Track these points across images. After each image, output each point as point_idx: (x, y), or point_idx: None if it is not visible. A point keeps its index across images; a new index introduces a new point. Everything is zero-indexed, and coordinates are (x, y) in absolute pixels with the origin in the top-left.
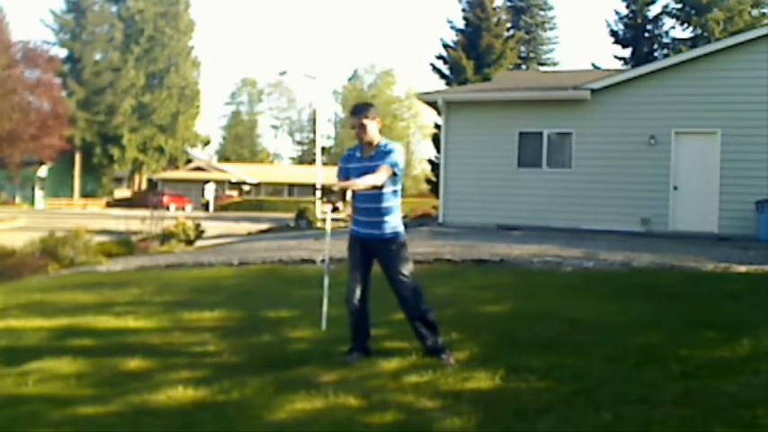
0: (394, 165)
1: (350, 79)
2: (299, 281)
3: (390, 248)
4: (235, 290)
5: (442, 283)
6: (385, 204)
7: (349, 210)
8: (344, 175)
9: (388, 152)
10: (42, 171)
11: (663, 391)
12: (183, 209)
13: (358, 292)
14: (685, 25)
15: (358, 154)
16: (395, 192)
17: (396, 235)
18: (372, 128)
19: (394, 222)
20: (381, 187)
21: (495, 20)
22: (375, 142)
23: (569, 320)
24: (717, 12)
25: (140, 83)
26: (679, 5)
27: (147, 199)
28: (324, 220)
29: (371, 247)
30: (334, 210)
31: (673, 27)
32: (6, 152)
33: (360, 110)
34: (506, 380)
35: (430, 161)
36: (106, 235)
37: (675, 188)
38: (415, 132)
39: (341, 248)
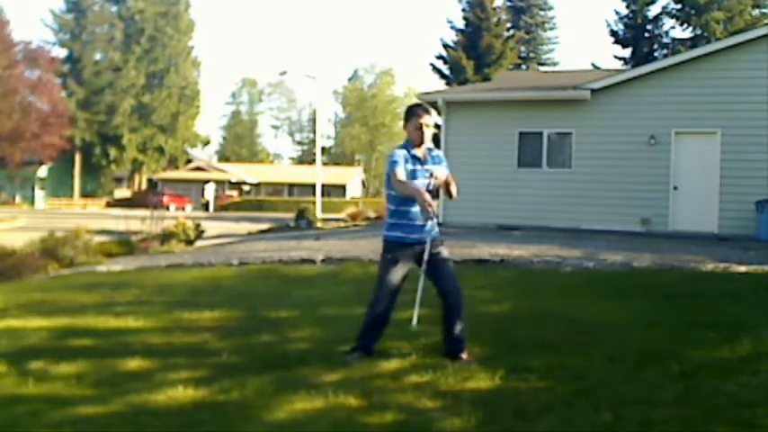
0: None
1: (350, 79)
2: (299, 281)
3: (439, 246)
4: (235, 290)
5: None
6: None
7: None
8: (412, 175)
9: (441, 159)
10: (42, 171)
11: (663, 391)
12: (183, 209)
13: (391, 298)
14: (685, 25)
15: (415, 153)
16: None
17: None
18: (432, 130)
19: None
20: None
21: (495, 20)
22: (424, 146)
23: (569, 320)
24: (716, 12)
25: (140, 83)
26: (678, 6)
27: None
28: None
29: (417, 251)
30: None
31: (673, 27)
32: (7, 152)
33: (425, 108)
34: (506, 380)
35: None
36: (106, 235)
37: (675, 188)
38: None
39: (341, 248)
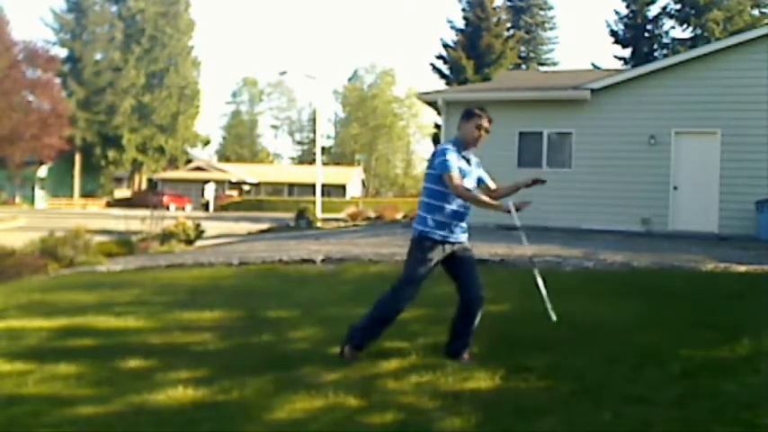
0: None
1: (350, 79)
2: (300, 281)
3: (468, 247)
4: (235, 290)
5: (443, 283)
6: (470, 209)
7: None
8: (464, 175)
9: (479, 164)
10: (42, 171)
11: (663, 391)
12: (183, 209)
13: (416, 296)
14: (685, 26)
15: (465, 155)
16: None
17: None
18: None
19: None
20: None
21: (495, 20)
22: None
23: (569, 320)
24: (716, 12)
25: (140, 83)
26: (678, 6)
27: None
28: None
29: (448, 251)
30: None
31: (672, 27)
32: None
33: (492, 119)
34: (506, 380)
35: None
36: (106, 235)
37: (675, 188)
38: (415, 132)
39: (341, 248)
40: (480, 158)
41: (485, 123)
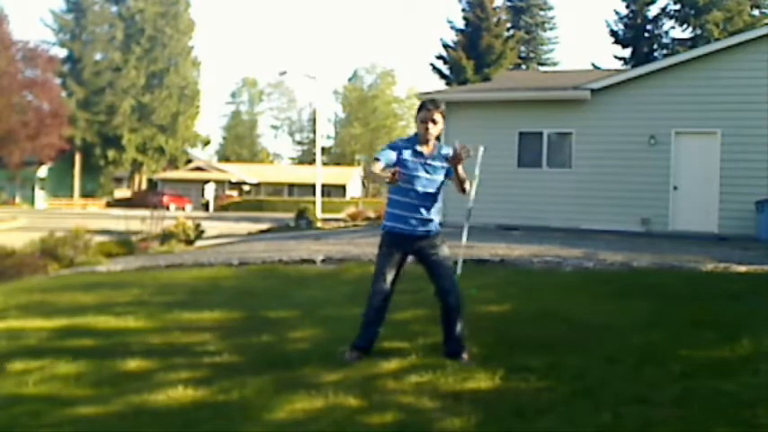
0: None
1: (350, 79)
2: (299, 281)
3: (436, 243)
4: (235, 290)
5: None
6: (437, 203)
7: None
8: (403, 165)
9: (446, 156)
10: (42, 171)
11: (663, 391)
12: (183, 209)
13: (387, 292)
14: (684, 26)
15: (418, 148)
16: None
17: (440, 229)
18: (440, 125)
19: (437, 218)
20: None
21: (495, 20)
22: (432, 141)
23: (569, 320)
24: (716, 12)
25: (140, 83)
26: (678, 6)
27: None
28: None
29: (417, 245)
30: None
31: (672, 27)
32: (6, 152)
33: (434, 103)
34: (506, 380)
35: None
36: (106, 235)
37: (675, 188)
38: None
39: (341, 248)
40: (480, 158)
41: (425, 115)
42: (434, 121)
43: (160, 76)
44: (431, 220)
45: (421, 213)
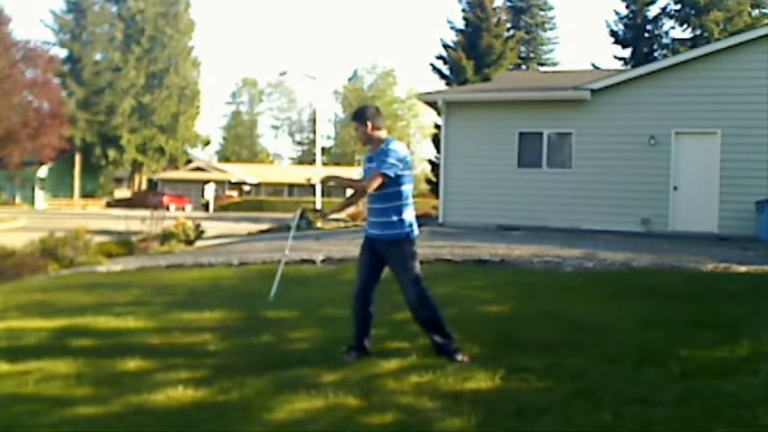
0: (385, 167)
1: (350, 79)
2: (300, 281)
3: (393, 251)
4: (235, 290)
5: (443, 283)
6: (388, 205)
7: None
8: (364, 175)
9: (383, 152)
10: (42, 171)
11: (663, 391)
12: (183, 209)
13: (364, 292)
14: (685, 26)
15: (369, 154)
16: (399, 192)
17: (398, 237)
18: (361, 131)
19: (398, 223)
20: (380, 187)
21: (495, 20)
22: (373, 145)
23: (569, 320)
24: (716, 12)
25: (140, 83)
26: (678, 6)
27: (147, 199)
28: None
29: (379, 249)
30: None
31: (672, 27)
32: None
33: (354, 115)
34: (506, 380)
35: (430, 161)
36: (106, 235)
37: (675, 188)
38: (416, 132)
39: (341, 248)
40: (480, 159)
41: (353, 124)
42: (356, 130)
43: (160, 76)
44: (383, 224)
45: (374, 215)
